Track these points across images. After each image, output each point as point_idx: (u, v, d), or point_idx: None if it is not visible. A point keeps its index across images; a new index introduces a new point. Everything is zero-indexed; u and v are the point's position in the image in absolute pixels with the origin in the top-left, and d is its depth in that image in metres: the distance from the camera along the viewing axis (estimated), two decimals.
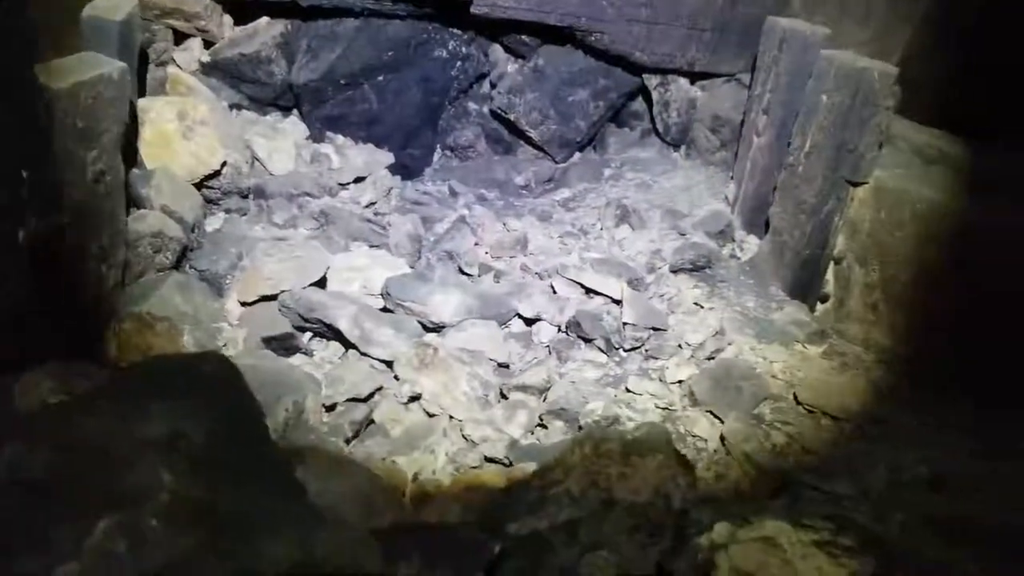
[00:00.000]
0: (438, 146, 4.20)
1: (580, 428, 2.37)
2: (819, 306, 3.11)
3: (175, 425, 1.16)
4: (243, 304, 2.75)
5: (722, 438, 2.30)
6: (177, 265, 2.84)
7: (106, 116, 2.45)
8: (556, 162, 4.09)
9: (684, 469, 1.74)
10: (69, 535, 1.00)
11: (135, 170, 2.91)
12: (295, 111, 3.83)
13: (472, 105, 4.23)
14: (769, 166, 3.29)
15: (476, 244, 3.29)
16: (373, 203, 3.51)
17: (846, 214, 3.01)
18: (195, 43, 3.67)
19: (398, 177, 3.78)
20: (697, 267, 3.13)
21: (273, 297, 2.71)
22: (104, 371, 1.88)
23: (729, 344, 2.71)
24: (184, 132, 3.05)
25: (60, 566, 0.97)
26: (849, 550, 1.45)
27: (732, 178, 3.57)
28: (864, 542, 1.47)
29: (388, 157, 3.71)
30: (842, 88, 2.92)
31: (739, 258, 3.26)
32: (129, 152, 2.81)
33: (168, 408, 1.19)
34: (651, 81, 4.03)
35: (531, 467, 2.03)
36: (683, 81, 4.00)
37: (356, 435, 2.38)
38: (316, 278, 2.75)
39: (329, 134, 3.72)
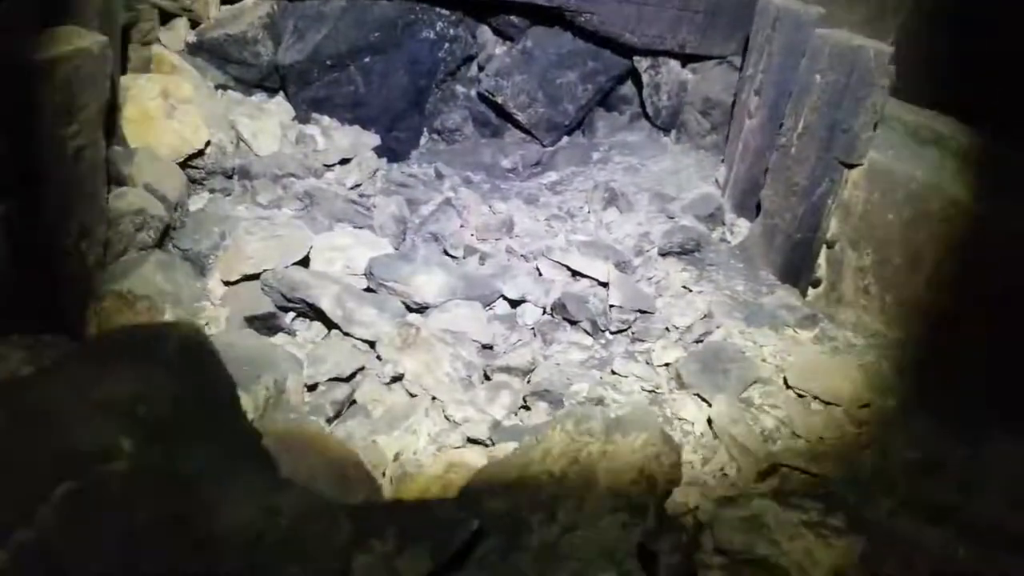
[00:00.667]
0: (425, 129, 4.15)
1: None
2: (810, 290, 3.08)
3: (137, 391, 1.12)
4: (225, 283, 2.70)
5: (709, 421, 2.27)
6: (159, 244, 2.79)
7: (85, 91, 2.39)
8: (544, 145, 4.05)
9: (669, 449, 1.71)
10: (24, 501, 0.96)
11: (117, 148, 2.86)
12: (281, 92, 3.78)
13: (460, 88, 4.19)
14: (761, 148, 3.26)
15: (461, 226, 3.25)
16: (358, 185, 3.47)
17: (839, 196, 2.97)
18: (181, 23, 3.61)
19: (384, 159, 3.73)
20: (686, 250, 3.09)
21: (256, 276, 2.67)
22: (75, 343, 1.84)
23: (718, 327, 2.67)
24: (167, 111, 3.00)
25: (15, 533, 0.93)
26: (838, 531, 1.42)
27: (723, 161, 3.54)
28: (853, 523, 1.44)
29: (374, 139, 3.67)
30: (836, 67, 2.88)
31: (729, 242, 3.23)
32: (111, 129, 2.76)
33: (132, 375, 1.15)
34: (641, 64, 3.99)
35: (512, 447, 1.99)
36: (674, 63, 3.96)
37: (338, 415, 2.34)
38: (299, 257, 2.71)
39: (315, 115, 3.68)
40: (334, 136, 3.56)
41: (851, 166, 2.94)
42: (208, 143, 3.13)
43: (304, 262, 2.75)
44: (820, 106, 2.94)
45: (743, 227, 3.26)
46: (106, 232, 2.62)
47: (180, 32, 3.61)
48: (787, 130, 3.07)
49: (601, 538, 1.58)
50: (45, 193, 2.35)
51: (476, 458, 1.99)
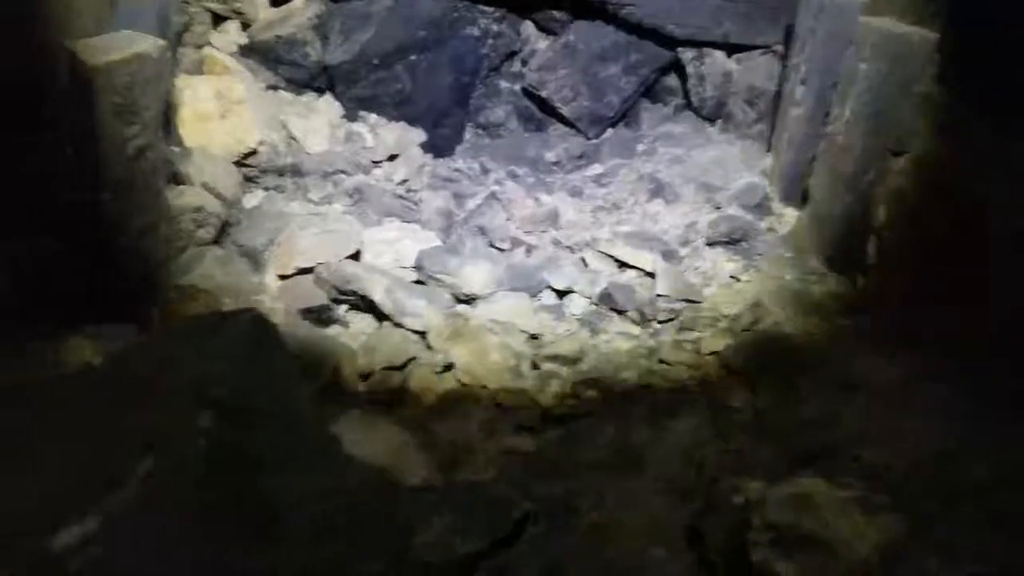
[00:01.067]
0: (469, 124, 4.20)
1: (613, 398, 2.36)
2: (860, 278, 3.06)
3: (211, 373, 1.18)
4: (281, 277, 2.79)
5: (756, 408, 2.29)
6: (217, 240, 2.89)
7: (145, 93, 2.49)
8: (588, 138, 4.07)
9: (716, 434, 1.74)
10: (112, 474, 1.03)
11: (174, 148, 2.96)
12: (329, 92, 3.86)
13: (503, 83, 4.22)
14: (807, 137, 3.24)
15: (507, 219, 3.30)
16: (405, 180, 3.53)
17: (887, 184, 2.95)
18: (232, 26, 3.72)
19: (429, 155, 3.79)
20: (733, 240, 3.10)
21: (310, 270, 2.75)
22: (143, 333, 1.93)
23: (766, 316, 2.68)
24: (222, 111, 3.10)
25: (103, 502, 1.00)
26: (883, 508, 1.44)
27: (769, 150, 3.53)
28: (898, 502, 1.46)
29: (420, 135, 3.73)
30: (881, 55, 2.86)
31: (776, 231, 3.22)
32: (169, 130, 2.86)
33: (204, 360, 1.22)
34: (686, 55, 3.99)
35: (561, 434, 2.03)
36: (718, 54, 3.95)
37: (391, 402, 2.41)
38: (351, 251, 2.78)
39: (362, 113, 3.75)
40: (381, 133, 3.63)
41: (898, 154, 2.91)
42: (261, 142, 3.22)
43: (355, 256, 2.82)
44: (866, 95, 2.92)
45: (790, 216, 3.26)
46: (167, 229, 2.73)
47: (231, 34, 3.72)
48: (834, 119, 3.05)
49: (650, 519, 1.62)
50: (108, 192, 2.45)
51: (525, 443, 2.03)
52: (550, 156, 3.86)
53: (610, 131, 4.12)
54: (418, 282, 2.78)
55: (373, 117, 3.73)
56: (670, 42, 3.93)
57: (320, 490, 1.14)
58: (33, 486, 1.04)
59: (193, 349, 1.26)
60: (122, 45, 2.44)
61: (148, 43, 2.50)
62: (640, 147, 3.91)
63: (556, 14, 3.95)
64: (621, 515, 1.61)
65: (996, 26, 2.86)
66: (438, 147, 3.95)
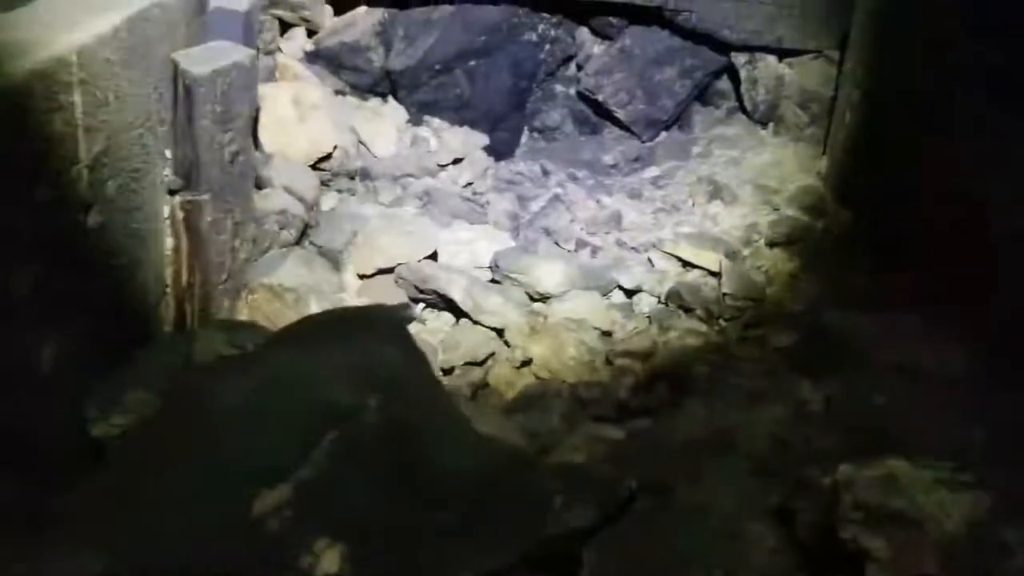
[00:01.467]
0: (525, 128, 4.32)
1: (685, 391, 2.48)
2: (913, 276, 3.15)
3: (374, 357, 1.32)
4: (361, 277, 2.93)
5: (825, 400, 2.39)
6: (298, 241, 3.03)
7: (239, 100, 2.65)
8: (642, 141, 4.18)
9: (799, 419, 1.84)
10: (299, 446, 1.16)
11: (257, 152, 3.11)
12: (390, 96, 4.00)
13: (559, 87, 4.34)
14: (862, 139, 3.33)
15: (571, 221, 3.42)
16: (470, 183, 3.66)
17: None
18: (299, 32, 3.87)
19: (491, 158, 3.92)
20: (791, 240, 3.20)
21: (389, 270, 2.89)
22: (263, 329, 2.07)
23: (827, 313, 2.77)
24: (299, 117, 3.24)
25: (295, 472, 1.13)
26: (968, 485, 1.54)
27: (824, 153, 3.62)
28: (981, 479, 1.56)
29: (483, 139, 3.86)
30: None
31: (832, 231, 3.31)
32: (255, 136, 3.02)
33: (361, 346, 1.35)
34: (738, 59, 4.08)
35: (645, 422, 2.15)
36: (771, 58, 4.03)
37: (473, 396, 2.54)
38: (428, 252, 2.92)
39: (426, 117, 3.88)
40: (445, 137, 3.76)
41: None
42: (335, 146, 3.36)
43: (432, 256, 2.96)
44: None
45: (846, 217, 3.34)
46: (256, 230, 2.88)
47: (299, 41, 3.87)
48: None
49: (743, 498, 1.73)
50: (207, 195, 2.61)
51: (615, 432, 2.15)
52: (607, 159, 3.97)
53: (664, 134, 4.23)
54: (493, 281, 2.91)
55: (436, 121, 3.86)
56: (723, 47, 4.03)
57: (470, 464, 1.26)
58: (234, 458, 1.17)
59: (346, 338, 1.39)
60: (219, 56, 2.59)
61: (242, 53, 2.66)
62: (695, 149, 4.01)
63: (612, 20, 4.06)
64: (715, 493, 1.72)
65: None
66: (497, 150, 4.08)
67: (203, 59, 2.57)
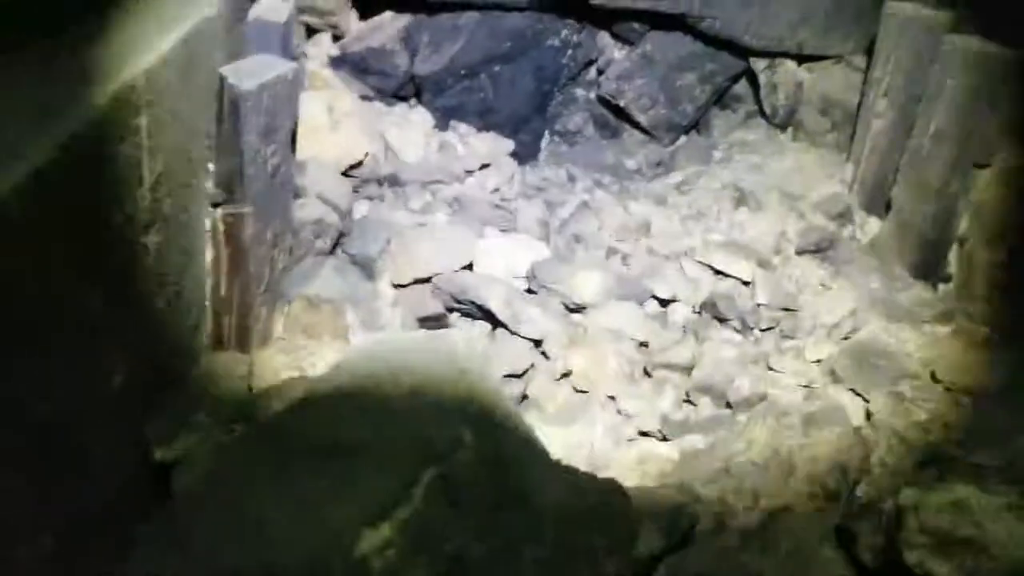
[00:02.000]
0: (546, 131, 4.34)
1: (728, 405, 2.51)
2: (940, 286, 3.19)
3: (465, 391, 1.34)
4: (396, 286, 2.94)
5: (868, 414, 2.42)
6: (332, 250, 3.04)
7: (282, 113, 2.65)
8: (663, 145, 4.20)
9: (859, 441, 1.88)
10: (397, 485, 1.18)
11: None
12: (416, 101, 4.00)
13: (579, 91, 4.36)
14: (889, 148, 3.36)
15: (599, 228, 3.44)
16: (497, 189, 3.67)
17: (971, 196, 3.07)
18: (324, 38, 3.86)
19: (515, 163, 3.93)
20: (820, 248, 3.23)
21: (426, 279, 2.90)
22: (320, 349, 2.08)
23: (863, 324, 2.81)
24: (332, 124, 3.25)
25: (396, 510, 1.16)
26: None
27: (848, 160, 3.65)
28: None
29: (508, 144, 3.87)
30: (969, 73, 2.98)
31: (860, 240, 3.35)
32: (294, 147, 3.02)
33: (451, 378, 1.37)
34: (758, 64, 4.10)
35: (696, 439, 2.18)
36: (790, 63, 4.06)
37: None
38: (465, 261, 2.93)
39: (452, 123, 3.89)
40: (472, 142, 3.77)
41: (984, 166, 3.04)
42: (366, 154, 3.37)
43: (468, 266, 2.97)
44: (952, 110, 3.05)
45: (873, 225, 3.38)
46: (293, 240, 2.89)
47: (323, 47, 3.86)
48: (919, 132, 3.17)
49: (802, 522, 1.76)
50: (249, 206, 2.62)
51: (667, 450, 2.18)
52: (630, 164, 4.00)
53: (683, 138, 4.25)
54: (529, 291, 2.93)
55: (463, 127, 3.87)
56: (745, 52, 4.05)
57: (564, 493, 1.29)
58: (339, 497, 1.19)
59: (428, 367, 1.41)
60: (265, 69, 2.59)
61: (285, 66, 2.65)
62: (716, 154, 4.04)
63: (635, 25, 4.07)
64: (777, 516, 1.75)
65: None
66: (519, 155, 4.09)
67: (249, 73, 2.56)
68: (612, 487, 1.42)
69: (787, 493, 1.82)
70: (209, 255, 2.63)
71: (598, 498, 1.38)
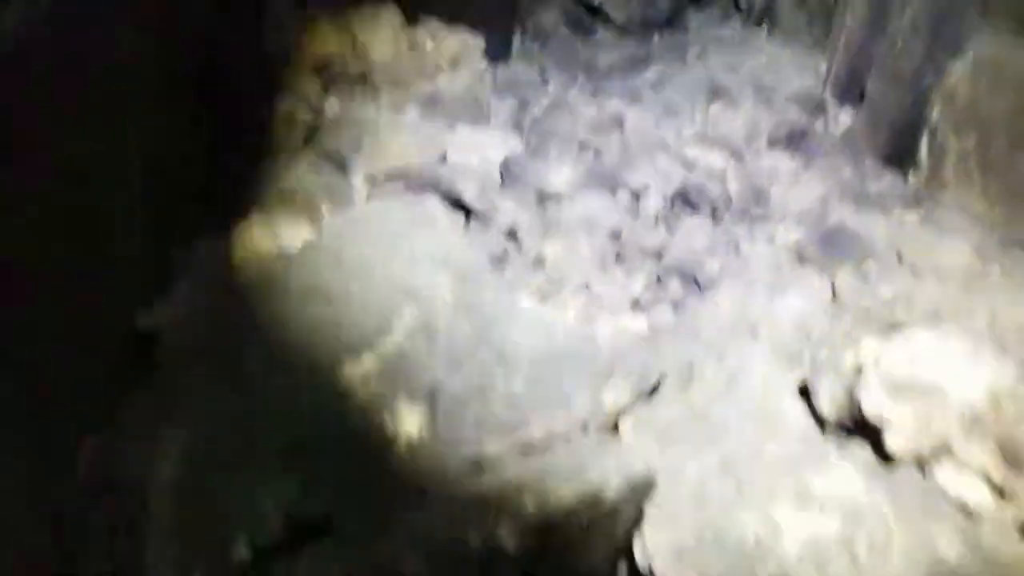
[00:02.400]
0: (518, 30, 4.27)
1: (697, 284, 2.56)
2: (911, 176, 3.22)
3: (442, 246, 1.36)
4: (370, 180, 2.93)
5: (833, 290, 2.48)
6: (304, 145, 3.01)
7: None
8: (638, 43, 4.16)
9: (823, 312, 1.93)
10: (377, 322, 1.21)
11: None
12: None
13: None
14: (864, 40, 3.35)
15: (573, 124, 3.42)
16: (469, 86, 3.62)
17: (944, 84, 3.08)
18: None
19: (486, 61, 3.87)
20: (792, 140, 3.24)
21: (399, 174, 2.88)
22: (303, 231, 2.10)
23: (832, 211, 2.85)
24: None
25: (376, 342, 1.19)
26: (990, 358, 1.64)
27: (823, 53, 3.64)
28: (1004, 353, 1.67)
29: (480, 42, 3.79)
30: None
31: (833, 132, 3.36)
32: None
33: (430, 232, 1.39)
34: None
35: (665, 310, 2.24)
36: None
37: None
38: (438, 154, 2.92)
39: (423, 19, 3.80)
40: (442, 40, 3.70)
41: (957, 55, 3.04)
42: (334, 52, 3.30)
43: (441, 158, 2.96)
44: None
45: (846, 118, 3.39)
46: (264, 134, 2.86)
47: None
48: (893, 23, 3.16)
49: (767, 378, 1.83)
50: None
51: (637, 323, 2.23)
52: (604, 61, 3.96)
53: (658, 36, 4.21)
54: (503, 183, 2.93)
55: (433, 24, 3.79)
56: None
57: (536, 341, 1.33)
58: (324, 337, 1.23)
59: (410, 223, 1.43)
60: None
61: None
62: (691, 52, 4.00)
63: None
64: (742, 374, 1.81)
65: None
66: (490, 53, 4.04)
67: None
68: (586, 335, 1.46)
69: (754, 355, 1.88)
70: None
71: (572, 345, 1.42)
